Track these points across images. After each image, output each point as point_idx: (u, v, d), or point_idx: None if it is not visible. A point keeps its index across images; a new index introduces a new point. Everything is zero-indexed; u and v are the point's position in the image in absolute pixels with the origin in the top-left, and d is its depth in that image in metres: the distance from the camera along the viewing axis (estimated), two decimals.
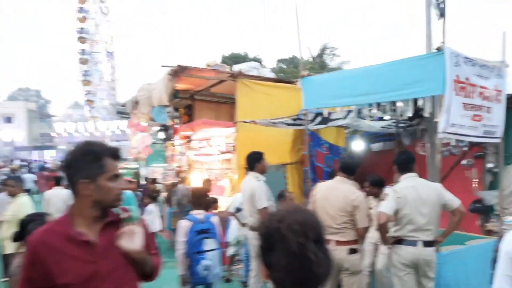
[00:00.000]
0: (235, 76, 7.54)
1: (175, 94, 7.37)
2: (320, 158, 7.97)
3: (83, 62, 55.18)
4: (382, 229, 3.70)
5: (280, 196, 5.30)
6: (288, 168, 7.82)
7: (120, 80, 58.32)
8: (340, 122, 6.29)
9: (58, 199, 7.98)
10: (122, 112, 14.36)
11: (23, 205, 4.49)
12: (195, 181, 8.93)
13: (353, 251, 3.80)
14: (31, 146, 44.80)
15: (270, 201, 4.68)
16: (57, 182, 8.50)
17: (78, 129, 47.66)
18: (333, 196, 3.87)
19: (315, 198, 4.00)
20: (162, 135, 8.55)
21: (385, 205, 3.69)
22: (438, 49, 4.10)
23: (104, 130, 45.98)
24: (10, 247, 4.47)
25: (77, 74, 55.46)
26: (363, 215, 3.81)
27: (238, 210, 5.74)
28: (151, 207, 7.50)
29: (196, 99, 9.90)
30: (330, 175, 5.82)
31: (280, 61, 40.20)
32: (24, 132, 46.47)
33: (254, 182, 4.39)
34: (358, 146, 8.33)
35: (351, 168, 3.99)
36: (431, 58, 4.21)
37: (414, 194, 3.68)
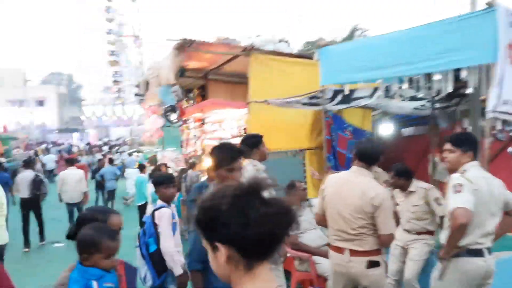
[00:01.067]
0: (247, 50, 6.77)
1: (182, 72, 6.68)
2: (342, 143, 7.15)
3: (111, 42, 55.49)
4: (459, 233, 2.68)
5: (290, 187, 4.56)
6: (306, 154, 7.05)
7: (147, 65, 58.19)
8: (364, 102, 5.44)
9: (71, 178, 8.74)
10: (139, 95, 13.88)
11: None
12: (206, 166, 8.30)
13: (373, 264, 2.94)
14: (61, 128, 45.65)
15: (273, 193, 3.90)
16: (71, 163, 9.41)
17: (106, 112, 48.18)
18: (348, 192, 3.02)
19: (325, 194, 3.18)
20: (170, 117, 7.91)
21: (463, 199, 2.67)
22: (489, 4, 3.20)
23: (131, 114, 46.27)
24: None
25: (105, 55, 55.96)
26: (387, 218, 2.93)
27: None
28: None
29: (209, 78, 9.20)
30: None
31: (308, 43, 38.86)
32: (55, 115, 47.39)
33: (251, 171, 3.61)
34: (386, 130, 7.43)
35: (372, 156, 3.06)
36: (479, 17, 3.34)
37: (487, 188, 2.79)
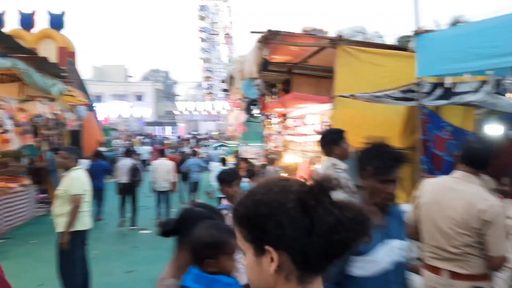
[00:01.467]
0: (335, 41, 6.33)
1: (265, 65, 6.46)
2: (440, 144, 6.36)
3: (203, 39, 57.93)
4: None
5: None
6: None
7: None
8: (468, 98, 4.72)
9: (162, 168, 9.22)
10: (225, 90, 14.11)
11: (75, 180, 4.14)
12: (286, 163, 8.04)
13: None
14: (156, 122, 48.84)
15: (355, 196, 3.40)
16: (162, 153, 10.07)
17: (197, 108, 50.44)
18: (449, 201, 2.49)
19: (419, 203, 2.68)
20: (252, 111, 7.77)
21: None
22: None
23: (220, 109, 47.81)
24: (60, 225, 4.19)
25: (197, 51, 58.61)
26: (499, 237, 2.38)
27: None
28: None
29: (294, 73, 8.89)
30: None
31: (403, 37, 36.55)
32: (151, 109, 50.85)
33: (329, 171, 3.18)
34: (494, 131, 6.47)
35: (481, 159, 2.51)
36: None
37: None
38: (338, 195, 0.92)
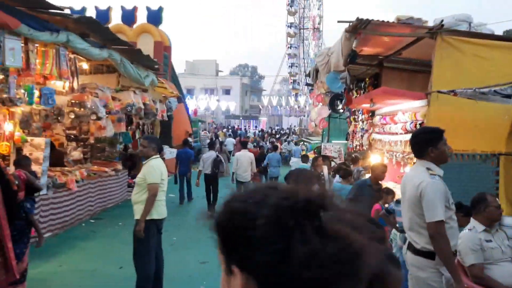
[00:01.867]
0: (434, 31, 5.69)
1: (353, 57, 6.05)
2: None
3: (290, 35, 57.81)
4: None
5: (479, 202, 3.49)
6: (501, 160, 5.61)
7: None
8: None
9: (244, 159, 9.72)
10: (309, 84, 13.79)
11: (154, 168, 4.18)
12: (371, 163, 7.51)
13: None
14: (241, 115, 50.00)
15: (451, 210, 2.88)
16: (244, 145, 10.60)
17: (281, 102, 50.64)
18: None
19: None
20: (337, 106, 7.36)
21: None
22: None
23: (303, 104, 47.43)
24: (137, 212, 4.27)
25: (285, 47, 58.71)
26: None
27: (389, 212, 4.23)
28: None
29: (384, 66, 8.28)
30: None
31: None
32: (237, 103, 52.15)
33: (424, 177, 2.71)
34: None
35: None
36: None
37: None
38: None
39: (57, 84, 6.47)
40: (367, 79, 8.92)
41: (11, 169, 5.39)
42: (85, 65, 8.32)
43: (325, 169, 7.98)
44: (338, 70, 6.67)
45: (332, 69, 6.75)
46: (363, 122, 9.33)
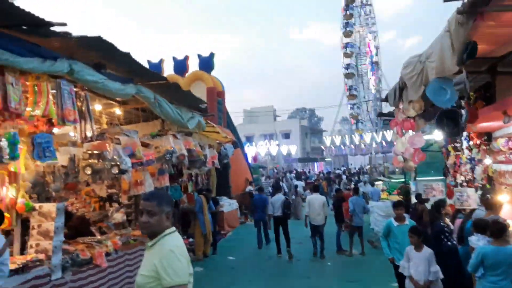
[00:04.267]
0: None
1: (472, 49, 4.03)
2: None
3: (348, 76, 56.08)
4: None
5: None
6: None
7: (386, 91, 56.27)
8: None
9: (316, 202, 9.75)
10: (385, 117, 11.78)
11: (173, 255, 2.32)
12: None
13: None
14: (303, 158, 48.00)
15: None
16: (316, 189, 10.55)
17: (344, 142, 48.12)
18: None
19: None
20: (443, 130, 5.16)
21: None
22: None
23: (369, 142, 44.55)
24: None
25: (343, 89, 56.99)
26: None
27: None
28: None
29: (499, 72, 6.07)
30: None
31: None
32: (297, 146, 50.40)
33: None
34: None
35: None
36: None
37: None
38: None
39: (69, 133, 5.13)
40: (471, 92, 6.69)
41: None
42: (118, 111, 6.99)
43: (448, 221, 5.74)
44: (445, 76, 4.63)
45: (435, 75, 4.72)
46: (471, 150, 7.01)
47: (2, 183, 4.51)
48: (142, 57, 18.01)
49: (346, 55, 56.02)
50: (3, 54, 3.37)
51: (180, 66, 19.28)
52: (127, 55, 4.94)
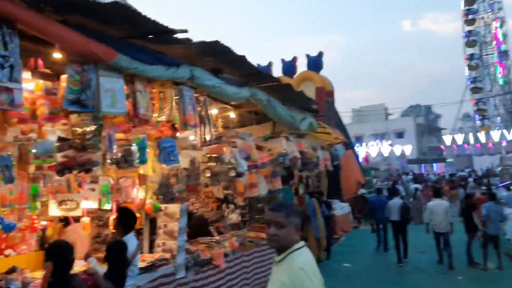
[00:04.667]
0: None
1: None
2: None
3: (472, 68, 50.61)
4: None
5: None
6: None
7: None
8: None
9: (438, 209, 8.99)
10: None
11: (305, 276, 2.10)
12: None
13: None
14: (419, 159, 44.60)
15: None
16: (437, 193, 9.85)
17: (468, 140, 43.44)
18: None
19: None
20: None
21: None
22: None
23: (498, 140, 39.49)
24: None
25: (466, 82, 51.59)
26: None
27: None
28: None
29: None
30: None
31: None
32: (412, 146, 47.07)
33: None
34: None
35: None
36: None
37: None
38: None
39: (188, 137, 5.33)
40: None
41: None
42: (232, 114, 7.13)
43: None
44: None
45: None
46: None
47: (133, 185, 4.84)
48: (252, 61, 18.28)
49: (469, 44, 50.60)
50: (133, 63, 3.58)
51: (289, 67, 19.33)
52: (242, 59, 4.94)
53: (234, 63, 5.07)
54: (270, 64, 19.44)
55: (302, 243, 2.26)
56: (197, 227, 6.64)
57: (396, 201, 9.94)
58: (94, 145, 3.47)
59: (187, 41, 4.11)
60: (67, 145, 3.55)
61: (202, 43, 4.11)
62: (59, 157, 3.63)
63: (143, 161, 4.05)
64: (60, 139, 3.65)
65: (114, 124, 3.82)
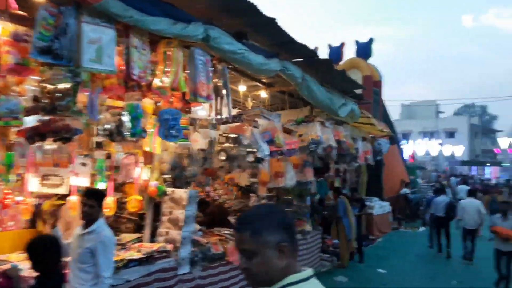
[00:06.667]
0: None
1: None
2: None
3: None
4: None
5: None
6: None
7: None
8: None
9: (470, 207, 9.40)
10: None
11: None
12: None
13: None
14: (474, 160, 41.77)
15: None
16: (472, 193, 10.38)
17: None
18: None
19: None
20: None
21: None
22: None
23: None
24: None
25: None
26: None
27: None
28: None
29: None
30: None
31: None
32: (464, 147, 44.12)
33: None
34: None
35: None
36: None
37: None
38: None
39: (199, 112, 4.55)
40: None
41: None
42: (263, 94, 6.31)
43: None
44: None
45: None
46: None
47: (136, 164, 4.20)
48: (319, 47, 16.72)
49: None
50: (128, 11, 2.86)
51: (335, 53, 18.15)
52: (272, 22, 4.11)
53: (262, 28, 4.26)
54: (342, 45, 18.06)
55: (303, 274, 1.36)
56: (214, 215, 5.98)
57: (443, 198, 10.60)
58: (67, 107, 2.79)
59: None
60: (40, 107, 2.93)
61: None
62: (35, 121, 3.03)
63: (135, 133, 3.36)
64: (35, 99, 3.04)
65: (104, 87, 3.13)
